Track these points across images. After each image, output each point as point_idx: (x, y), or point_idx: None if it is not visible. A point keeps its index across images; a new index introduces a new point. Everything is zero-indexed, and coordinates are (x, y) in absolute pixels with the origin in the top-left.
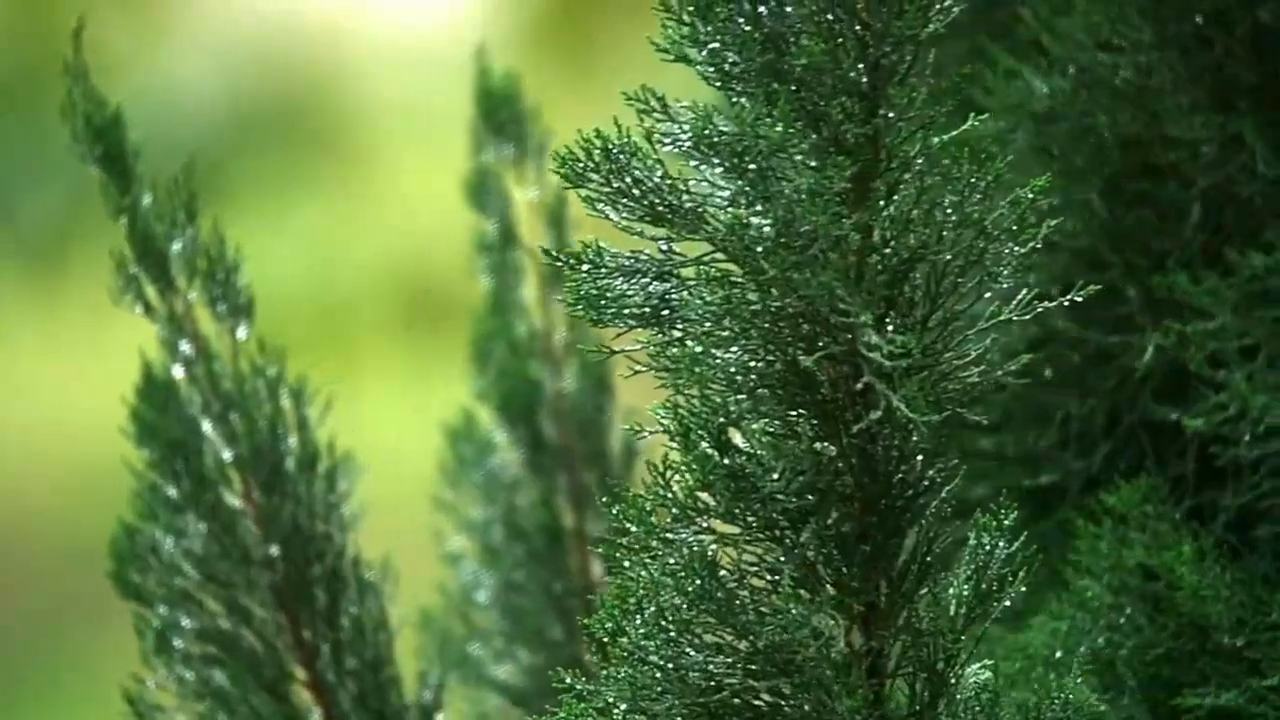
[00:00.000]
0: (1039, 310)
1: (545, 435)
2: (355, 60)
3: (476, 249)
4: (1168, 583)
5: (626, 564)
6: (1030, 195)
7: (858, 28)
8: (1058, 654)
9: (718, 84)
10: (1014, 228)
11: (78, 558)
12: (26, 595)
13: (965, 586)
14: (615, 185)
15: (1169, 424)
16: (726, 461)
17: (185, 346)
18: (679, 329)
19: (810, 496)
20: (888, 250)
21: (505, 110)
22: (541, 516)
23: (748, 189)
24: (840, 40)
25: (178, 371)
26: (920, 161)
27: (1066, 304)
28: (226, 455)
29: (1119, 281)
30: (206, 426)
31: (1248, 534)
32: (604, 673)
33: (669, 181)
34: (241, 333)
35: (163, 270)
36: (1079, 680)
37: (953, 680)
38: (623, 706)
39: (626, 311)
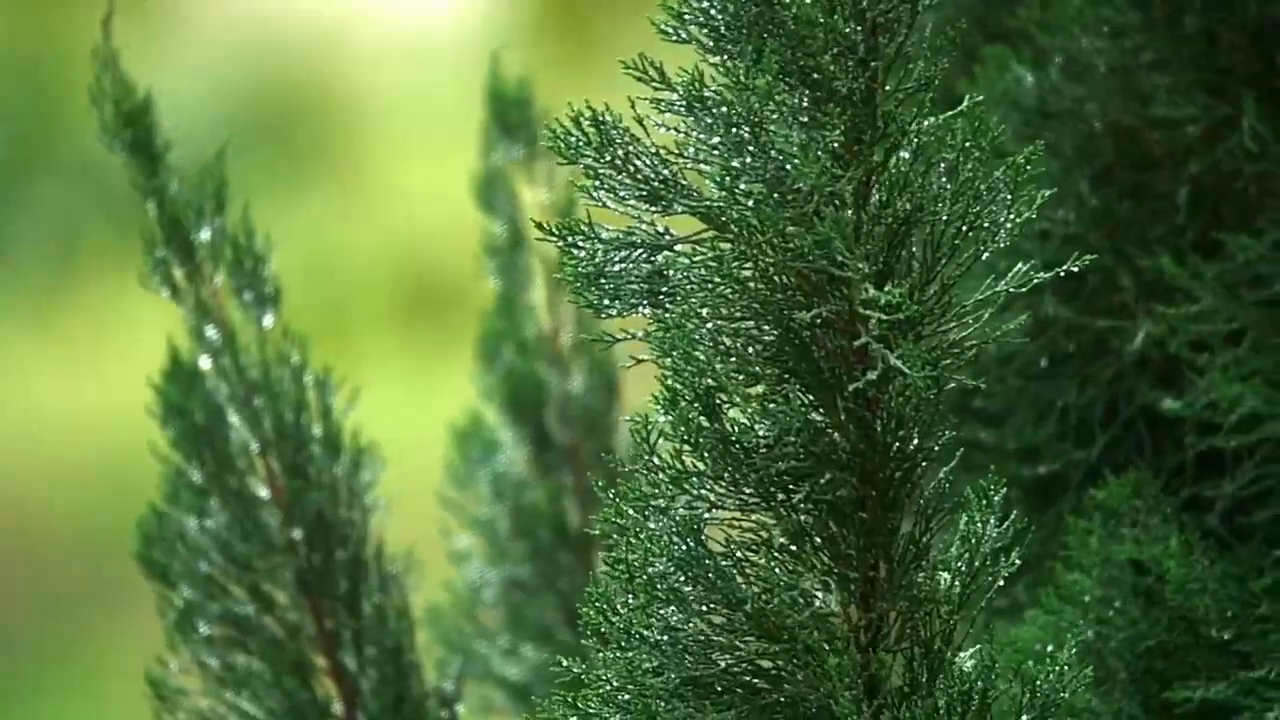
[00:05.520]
0: (1034, 282)
1: (551, 434)
2: (354, 57)
3: (485, 251)
4: (1157, 576)
5: (621, 541)
6: (1024, 160)
7: None
8: (1049, 647)
9: (713, 50)
10: (1009, 194)
11: (82, 553)
12: (31, 590)
13: (959, 563)
14: (608, 158)
15: (1168, 412)
16: (715, 425)
17: (211, 332)
18: (674, 306)
19: (804, 461)
20: (886, 209)
21: (517, 112)
22: (548, 515)
23: (739, 146)
24: None
25: (204, 360)
26: (917, 126)
27: (1060, 290)
28: (250, 441)
29: (1113, 268)
30: (231, 412)
31: (1247, 521)
32: (600, 655)
33: (661, 153)
34: (267, 321)
35: (189, 255)
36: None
37: (949, 658)
38: (615, 683)
39: (625, 289)
